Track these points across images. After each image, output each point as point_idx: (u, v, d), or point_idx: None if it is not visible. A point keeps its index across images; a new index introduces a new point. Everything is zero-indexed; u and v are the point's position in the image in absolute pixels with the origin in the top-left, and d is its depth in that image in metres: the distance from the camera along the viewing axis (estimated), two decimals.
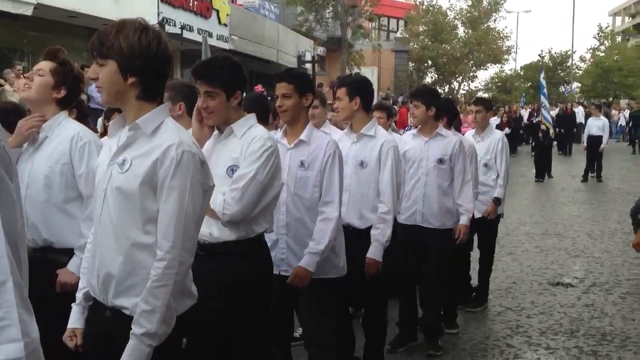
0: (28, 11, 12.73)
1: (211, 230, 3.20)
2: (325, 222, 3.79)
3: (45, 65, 3.45)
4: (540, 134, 17.52)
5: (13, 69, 11.51)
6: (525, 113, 29.65)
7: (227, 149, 3.25)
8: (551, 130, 17.50)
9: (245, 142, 3.21)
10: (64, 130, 3.42)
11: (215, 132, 3.32)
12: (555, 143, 21.04)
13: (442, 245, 5.25)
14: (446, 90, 41.23)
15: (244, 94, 3.52)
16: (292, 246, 3.82)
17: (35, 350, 1.51)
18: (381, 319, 4.76)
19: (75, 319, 2.63)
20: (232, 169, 3.21)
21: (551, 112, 16.75)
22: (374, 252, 4.37)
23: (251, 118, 3.33)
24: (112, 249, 2.39)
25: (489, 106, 6.86)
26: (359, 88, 4.49)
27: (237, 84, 3.24)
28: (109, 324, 2.44)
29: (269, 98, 6.07)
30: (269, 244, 3.82)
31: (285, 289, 3.82)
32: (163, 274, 2.32)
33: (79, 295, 2.65)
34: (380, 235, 4.39)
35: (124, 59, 2.35)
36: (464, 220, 5.30)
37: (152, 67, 2.40)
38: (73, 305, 2.66)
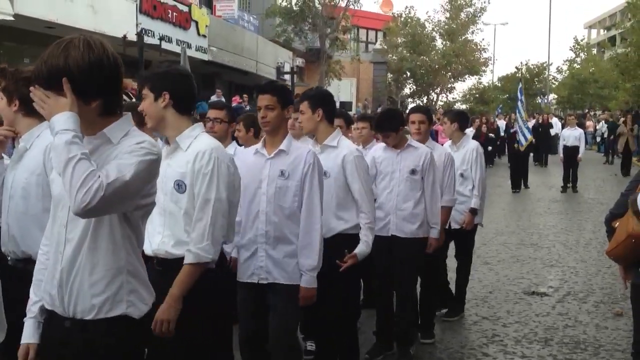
0: (8, 17, 12.61)
1: (167, 248, 3.25)
2: (310, 234, 3.85)
3: None
4: (516, 145, 17.63)
5: None
6: (502, 124, 29.83)
7: (175, 163, 3.25)
8: (521, 148, 17.43)
9: (191, 156, 3.21)
10: (42, 141, 3.40)
11: (165, 145, 3.32)
12: (531, 154, 21.22)
13: (415, 254, 5.31)
14: (424, 101, 41.54)
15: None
16: (271, 254, 3.86)
17: None
18: (352, 326, 4.78)
19: (30, 334, 2.50)
20: (178, 184, 3.21)
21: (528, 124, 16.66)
22: (360, 252, 4.44)
23: (196, 128, 3.32)
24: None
25: (461, 119, 6.81)
26: (321, 100, 4.53)
27: (163, 85, 3.22)
28: (68, 335, 2.37)
29: (247, 108, 6.10)
30: (248, 254, 3.90)
31: (261, 297, 3.87)
32: None
33: (33, 308, 2.52)
34: (365, 243, 4.49)
35: (80, 87, 2.22)
36: (434, 233, 5.38)
37: (109, 84, 2.31)
38: (27, 319, 2.53)
